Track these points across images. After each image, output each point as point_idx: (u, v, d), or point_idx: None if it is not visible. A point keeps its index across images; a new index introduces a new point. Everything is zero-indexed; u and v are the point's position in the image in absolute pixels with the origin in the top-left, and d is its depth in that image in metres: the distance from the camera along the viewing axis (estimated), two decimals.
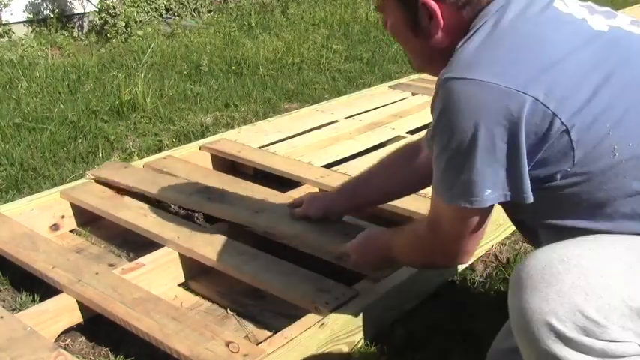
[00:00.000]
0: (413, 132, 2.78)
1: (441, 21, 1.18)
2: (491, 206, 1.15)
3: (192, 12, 5.93)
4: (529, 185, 1.08)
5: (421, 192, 2.17)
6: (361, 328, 1.56)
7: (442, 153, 1.13)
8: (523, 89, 1.03)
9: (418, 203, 2.08)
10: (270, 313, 1.73)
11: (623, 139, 1.04)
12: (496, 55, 1.08)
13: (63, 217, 2.21)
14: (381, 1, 1.26)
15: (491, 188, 1.09)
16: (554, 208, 1.14)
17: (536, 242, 1.23)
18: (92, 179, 2.32)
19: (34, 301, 1.81)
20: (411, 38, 1.24)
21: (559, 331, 0.95)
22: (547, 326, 0.95)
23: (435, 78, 1.23)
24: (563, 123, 1.03)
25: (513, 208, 1.24)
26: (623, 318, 0.94)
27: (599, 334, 0.94)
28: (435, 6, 1.17)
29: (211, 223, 2.08)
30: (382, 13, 1.30)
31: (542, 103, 1.03)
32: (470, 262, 1.89)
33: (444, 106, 1.10)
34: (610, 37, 1.12)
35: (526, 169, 1.07)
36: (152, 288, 1.77)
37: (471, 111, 1.05)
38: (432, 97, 1.22)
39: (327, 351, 1.49)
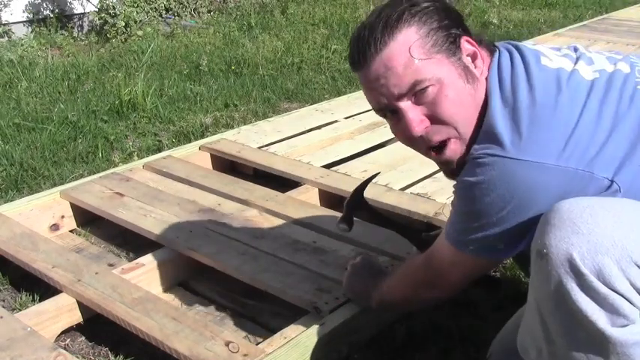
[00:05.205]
0: None
1: (482, 59, 1.13)
2: None
3: (192, 12, 5.94)
4: None
5: (419, 191, 2.18)
6: (361, 328, 1.56)
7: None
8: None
9: (417, 203, 2.08)
10: (269, 313, 1.73)
11: None
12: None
13: (63, 217, 2.21)
14: (423, 62, 1.11)
15: None
16: None
17: None
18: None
19: (33, 301, 1.81)
20: (463, 88, 1.13)
21: (576, 265, 0.96)
22: (567, 258, 0.97)
23: None
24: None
25: None
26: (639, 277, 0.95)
27: (610, 282, 0.95)
28: (474, 42, 1.12)
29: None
30: (420, 89, 1.12)
31: None
32: None
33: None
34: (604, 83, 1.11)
35: None
36: (152, 288, 1.77)
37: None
38: None
39: (326, 351, 1.49)
